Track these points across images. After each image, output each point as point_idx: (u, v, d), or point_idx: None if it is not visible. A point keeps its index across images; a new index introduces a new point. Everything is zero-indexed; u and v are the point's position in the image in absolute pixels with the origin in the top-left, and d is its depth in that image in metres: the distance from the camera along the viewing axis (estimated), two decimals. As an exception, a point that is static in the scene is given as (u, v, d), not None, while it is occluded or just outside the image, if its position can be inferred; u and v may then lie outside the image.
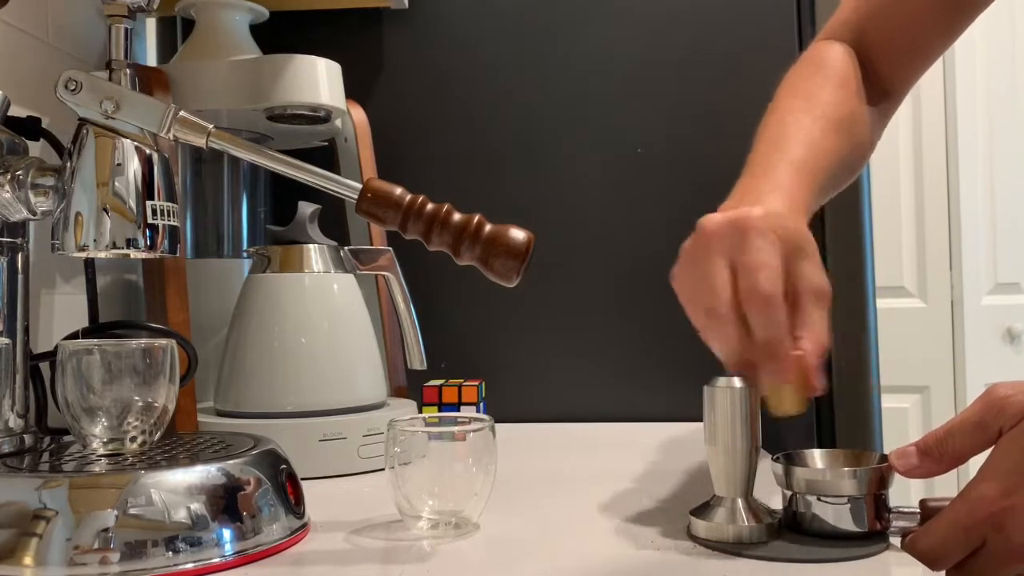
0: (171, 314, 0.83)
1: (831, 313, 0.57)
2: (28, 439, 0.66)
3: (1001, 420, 0.54)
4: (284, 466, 0.62)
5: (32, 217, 0.64)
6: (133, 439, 0.61)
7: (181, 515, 0.53)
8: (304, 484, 0.64)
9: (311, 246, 0.87)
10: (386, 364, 0.96)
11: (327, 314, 0.86)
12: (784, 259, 0.56)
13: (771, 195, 0.61)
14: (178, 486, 0.54)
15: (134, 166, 0.60)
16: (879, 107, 0.78)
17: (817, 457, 0.61)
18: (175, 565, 0.52)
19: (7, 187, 0.62)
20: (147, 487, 0.53)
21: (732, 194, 0.64)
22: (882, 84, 0.78)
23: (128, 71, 0.62)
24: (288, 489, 0.61)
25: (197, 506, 0.54)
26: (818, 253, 0.58)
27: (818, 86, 0.73)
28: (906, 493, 1.74)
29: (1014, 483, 0.52)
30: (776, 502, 0.60)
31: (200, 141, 0.60)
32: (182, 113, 0.60)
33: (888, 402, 1.16)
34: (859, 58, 0.77)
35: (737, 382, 0.57)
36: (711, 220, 0.58)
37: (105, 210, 0.59)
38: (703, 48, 1.13)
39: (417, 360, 0.91)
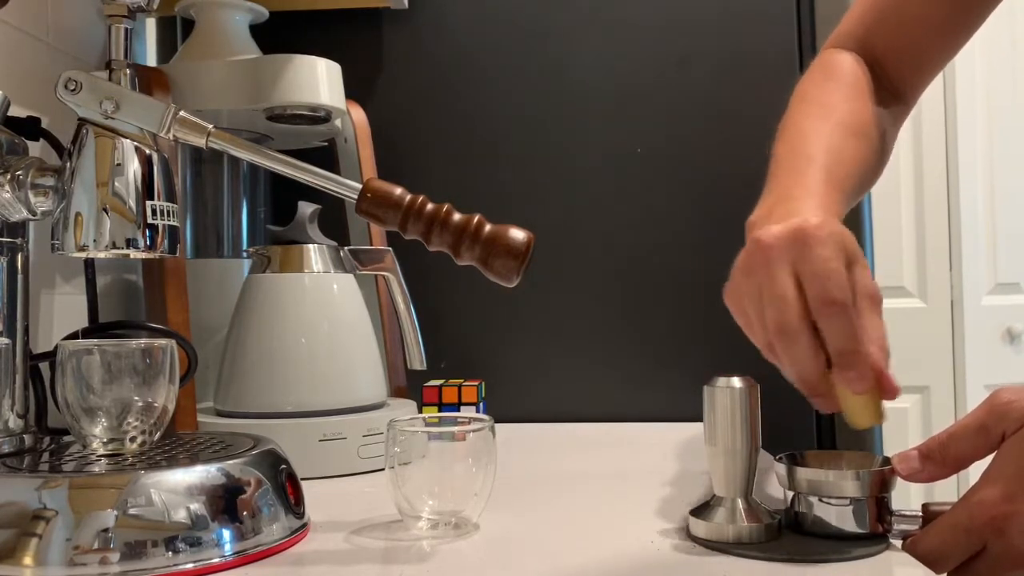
0: (171, 314, 0.83)
1: None
2: (28, 439, 0.66)
3: (1004, 425, 0.54)
4: (284, 466, 0.62)
5: (32, 217, 0.64)
6: (133, 439, 0.61)
7: (181, 515, 0.53)
8: (304, 484, 0.64)
9: (311, 246, 0.87)
10: (386, 364, 0.96)
11: (327, 314, 0.86)
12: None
13: (805, 201, 0.59)
14: (178, 486, 0.54)
15: (134, 166, 0.60)
16: (891, 110, 0.78)
17: (820, 458, 0.61)
18: (175, 565, 0.52)
19: (7, 187, 0.62)
20: (147, 487, 0.53)
21: (762, 201, 0.62)
22: (893, 88, 0.78)
23: (128, 71, 0.62)
24: (288, 489, 0.61)
25: (197, 506, 0.54)
26: (867, 260, 0.57)
27: (832, 93, 0.73)
28: (907, 497, 1.74)
29: (1016, 488, 0.52)
30: (777, 502, 0.60)
31: (200, 141, 0.60)
32: (182, 113, 0.60)
33: (888, 402, 1.16)
34: (868, 64, 0.76)
35: (737, 382, 0.57)
36: (769, 232, 0.56)
37: (105, 210, 0.59)
38: (703, 48, 1.13)
39: (417, 360, 0.91)
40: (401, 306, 0.90)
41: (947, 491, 1.79)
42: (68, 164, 0.60)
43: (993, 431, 0.54)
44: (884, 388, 0.54)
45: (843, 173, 0.65)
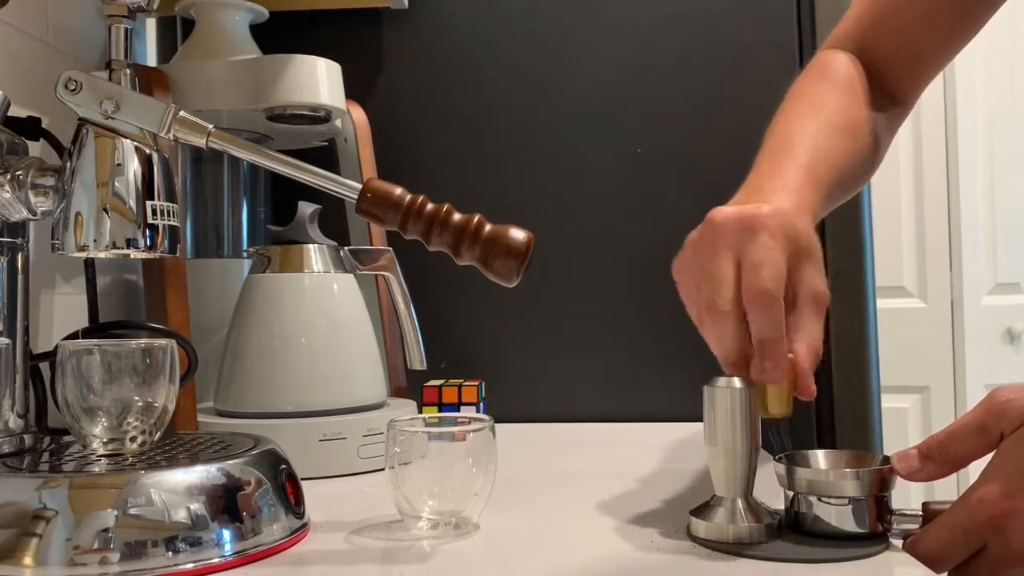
0: (171, 314, 0.83)
1: (829, 314, 0.57)
2: (28, 439, 0.66)
3: (1003, 424, 0.54)
4: (284, 466, 0.62)
5: (32, 217, 0.64)
6: (133, 439, 0.61)
7: (181, 515, 0.53)
8: (304, 484, 0.64)
9: (311, 246, 0.87)
10: (386, 364, 0.96)
11: (327, 314, 0.86)
12: (788, 260, 0.56)
13: (777, 194, 0.61)
14: (178, 486, 0.54)
15: (134, 166, 0.60)
16: (888, 113, 0.78)
17: (820, 458, 0.61)
18: (175, 565, 0.52)
19: (7, 187, 0.62)
20: (147, 487, 0.53)
21: (738, 194, 0.64)
22: (890, 91, 0.78)
23: (128, 71, 0.62)
24: (288, 489, 0.61)
25: (197, 506, 0.54)
26: (821, 258, 0.58)
27: (824, 92, 0.73)
28: (906, 496, 1.74)
29: (1015, 486, 0.52)
30: (777, 502, 0.60)
31: (200, 141, 0.60)
32: (182, 113, 0.60)
33: (888, 402, 1.16)
34: (865, 66, 0.77)
35: (737, 382, 0.57)
36: (720, 212, 0.58)
37: (105, 210, 0.59)
38: (703, 47, 1.13)
39: (417, 360, 0.91)
40: (401, 306, 0.90)
41: (947, 490, 1.79)
42: (68, 164, 0.60)
43: (992, 430, 0.54)
44: (800, 386, 0.56)
45: (824, 170, 0.66)
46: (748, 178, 0.65)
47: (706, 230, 0.58)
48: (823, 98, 0.73)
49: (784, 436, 0.61)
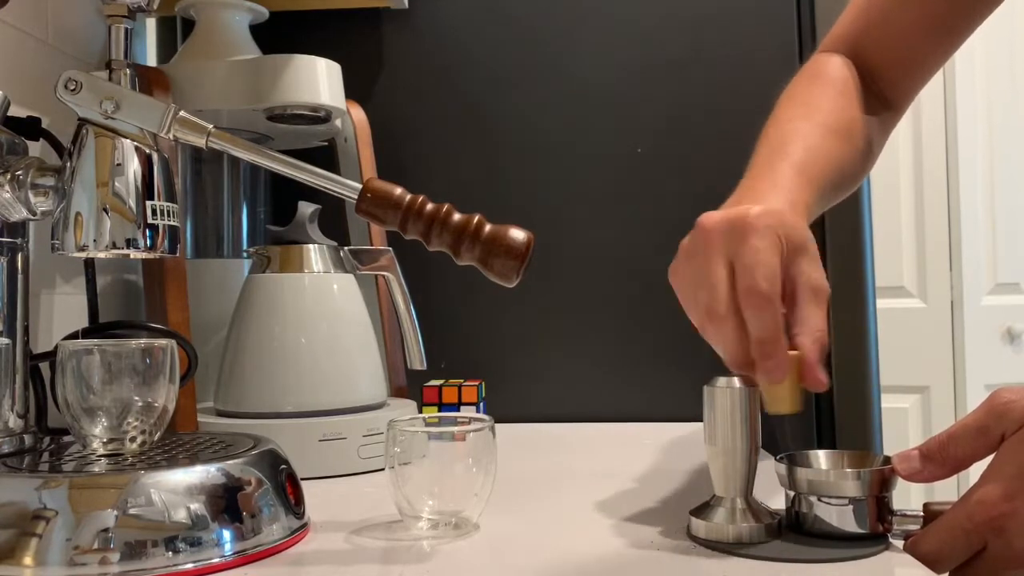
0: (171, 314, 0.83)
1: (830, 312, 0.57)
2: (28, 439, 0.66)
3: (1003, 425, 0.54)
4: (284, 466, 0.62)
5: (32, 217, 0.64)
6: (133, 439, 0.61)
7: (181, 515, 0.53)
8: (304, 484, 0.64)
9: (311, 246, 0.87)
10: (386, 364, 0.96)
11: (327, 314, 0.86)
12: (783, 257, 0.56)
13: (770, 194, 0.61)
14: (178, 486, 0.54)
15: (134, 166, 0.60)
16: (880, 116, 0.78)
17: (820, 458, 0.61)
18: (175, 565, 0.52)
19: (7, 187, 0.62)
20: (147, 487, 0.53)
21: (732, 195, 0.64)
22: (883, 95, 0.79)
23: (128, 71, 0.62)
24: (288, 489, 0.61)
25: (197, 506, 0.54)
26: (817, 251, 0.58)
27: (817, 95, 0.74)
28: (906, 496, 1.74)
29: (1016, 487, 0.52)
30: (777, 502, 0.60)
31: (200, 141, 0.60)
32: (182, 113, 0.60)
33: (888, 402, 1.16)
34: (859, 70, 0.77)
35: (737, 382, 0.57)
36: (710, 218, 0.58)
37: (105, 210, 0.59)
38: (703, 47, 1.13)
39: (417, 360, 0.91)
40: (401, 306, 0.90)
41: (948, 491, 1.79)
42: (68, 164, 0.60)
43: (993, 431, 0.54)
44: (809, 379, 0.55)
45: (818, 170, 0.66)
46: (743, 179, 0.66)
47: (697, 236, 0.59)
48: (817, 100, 0.73)
49: (790, 438, 0.62)
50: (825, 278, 0.57)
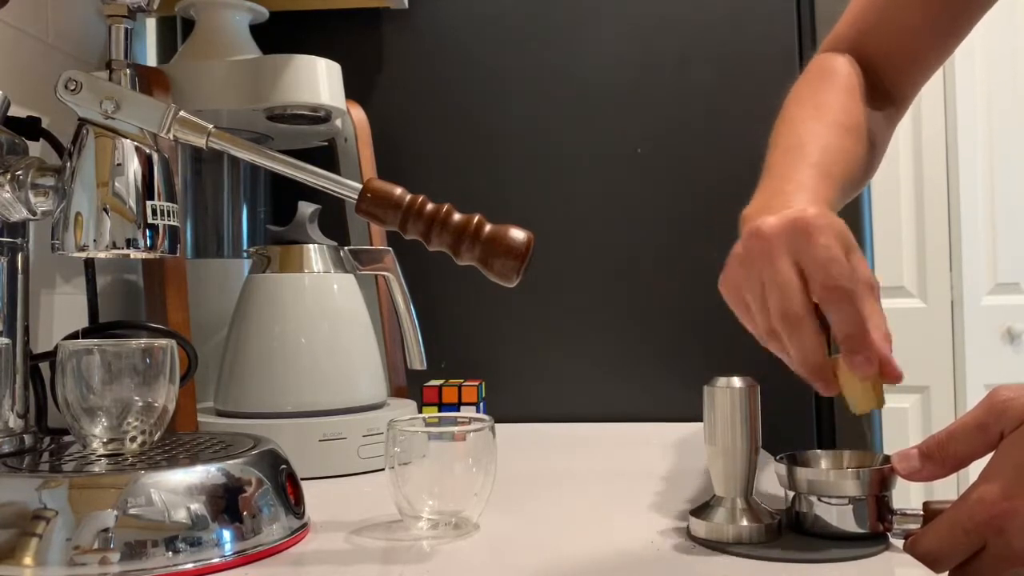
0: (171, 314, 0.83)
1: None
2: (28, 439, 0.66)
3: (1002, 423, 0.54)
4: (284, 466, 0.62)
5: (32, 217, 0.64)
6: (133, 439, 0.61)
7: (181, 515, 0.53)
8: (304, 484, 0.64)
9: (311, 246, 0.87)
10: (386, 364, 0.96)
11: (327, 314, 0.86)
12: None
13: (798, 195, 0.60)
14: (178, 486, 0.54)
15: (134, 166, 0.60)
16: (885, 112, 0.78)
17: (820, 458, 0.61)
18: (175, 565, 0.52)
19: (7, 187, 0.62)
20: (147, 487, 0.53)
21: (756, 196, 0.63)
22: (886, 91, 0.79)
23: (128, 71, 0.62)
24: (288, 489, 0.61)
25: (197, 506, 0.54)
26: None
27: (826, 94, 0.74)
28: (906, 495, 1.74)
29: (1015, 486, 0.52)
30: (777, 502, 0.60)
31: (200, 141, 0.60)
32: (182, 113, 0.60)
33: (888, 402, 1.16)
34: (862, 68, 0.77)
35: (737, 382, 0.57)
36: (767, 222, 0.57)
37: (105, 210, 0.59)
38: (703, 48, 1.13)
39: (417, 360, 0.91)
40: (401, 306, 0.90)
41: (948, 489, 1.79)
42: (68, 164, 0.60)
43: (992, 429, 0.54)
44: (887, 373, 0.55)
45: (837, 170, 0.66)
46: (762, 182, 0.65)
47: (755, 241, 0.57)
48: (826, 100, 0.73)
49: (872, 430, 0.61)
50: (873, 273, 0.57)
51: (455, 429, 0.63)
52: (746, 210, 0.62)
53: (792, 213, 0.57)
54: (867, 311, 0.55)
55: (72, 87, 0.59)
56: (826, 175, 0.64)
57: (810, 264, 0.55)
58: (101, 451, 0.60)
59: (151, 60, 1.18)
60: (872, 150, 0.75)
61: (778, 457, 0.59)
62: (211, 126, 0.61)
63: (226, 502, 0.56)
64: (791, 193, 0.61)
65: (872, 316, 0.55)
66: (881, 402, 0.56)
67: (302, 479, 0.64)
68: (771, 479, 0.60)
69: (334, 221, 0.99)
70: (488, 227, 0.59)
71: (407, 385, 1.00)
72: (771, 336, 0.57)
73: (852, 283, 0.54)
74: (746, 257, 0.58)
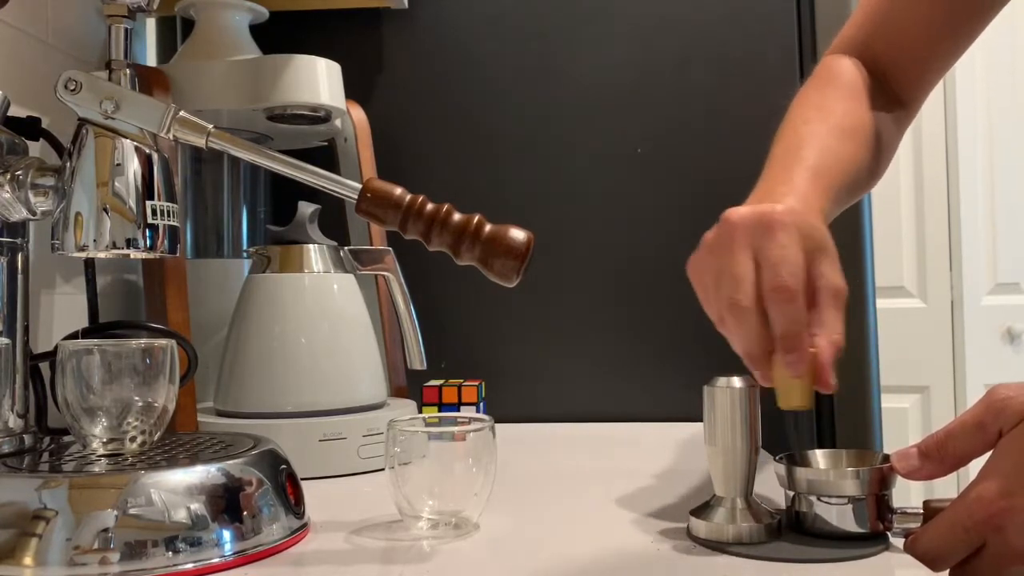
0: (171, 314, 0.83)
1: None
2: (28, 439, 0.66)
3: (1001, 421, 0.54)
4: (284, 466, 0.62)
5: (32, 217, 0.64)
6: (133, 439, 0.61)
7: (181, 515, 0.53)
8: (304, 484, 0.64)
9: (311, 246, 0.87)
10: (386, 364, 0.96)
11: (327, 314, 0.86)
12: (805, 256, 0.56)
13: (787, 198, 0.61)
14: (178, 486, 0.54)
15: (134, 166, 0.60)
16: (894, 115, 0.78)
17: (819, 457, 0.61)
18: (175, 565, 0.52)
19: (7, 187, 0.62)
20: (147, 487, 0.53)
21: (750, 198, 0.64)
22: (895, 94, 0.79)
23: (128, 71, 0.62)
24: (288, 489, 0.61)
25: (197, 506, 0.54)
26: (836, 254, 0.58)
27: (830, 97, 0.74)
28: (906, 494, 1.74)
29: (1013, 484, 0.52)
30: (777, 502, 0.60)
31: (200, 141, 0.60)
32: (182, 113, 0.60)
33: (888, 402, 1.16)
34: (869, 71, 0.77)
35: (737, 382, 0.57)
36: (736, 212, 0.58)
37: (105, 210, 0.59)
38: (704, 49, 1.13)
39: (417, 360, 0.91)
40: (401, 306, 0.90)
41: (949, 488, 1.79)
42: (68, 164, 0.60)
43: (990, 428, 0.54)
44: (820, 380, 0.56)
45: (834, 174, 0.66)
46: (759, 183, 0.66)
47: (722, 229, 0.59)
48: (830, 103, 0.73)
49: (802, 432, 0.61)
50: (844, 280, 0.58)
51: (455, 429, 0.63)
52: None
53: (761, 207, 0.58)
54: (824, 317, 0.56)
55: (72, 87, 0.59)
56: (821, 179, 0.65)
57: (763, 260, 0.56)
58: (101, 451, 0.60)
59: (151, 60, 1.18)
60: (878, 154, 0.75)
61: (777, 457, 0.59)
62: (211, 126, 0.61)
63: (226, 502, 0.56)
64: (778, 196, 0.61)
65: (828, 323, 0.56)
66: (809, 402, 0.56)
67: (302, 479, 0.64)
68: (771, 479, 0.60)
69: (334, 221, 0.99)
70: (488, 227, 0.59)
71: (407, 385, 1.00)
72: (721, 323, 0.59)
73: (798, 284, 0.55)
74: (713, 244, 0.59)
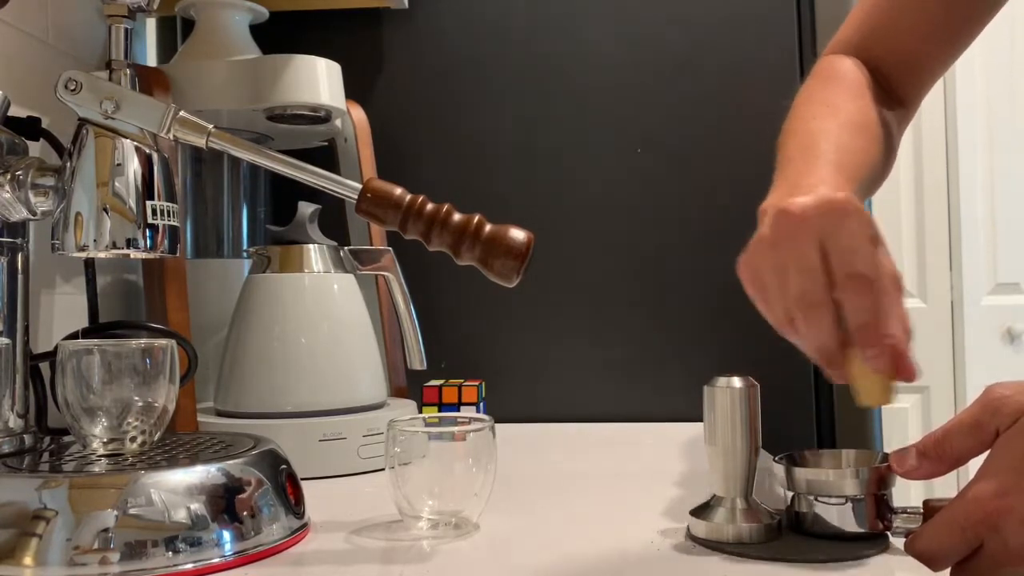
0: (171, 314, 0.83)
1: None
2: (28, 439, 0.66)
3: (998, 420, 0.54)
4: (284, 466, 0.62)
5: (32, 217, 0.64)
6: (133, 439, 0.61)
7: (181, 515, 0.53)
8: (304, 484, 0.64)
9: (311, 246, 0.87)
10: (386, 364, 0.96)
11: (327, 314, 0.86)
12: None
13: (818, 189, 0.58)
14: (178, 486, 0.54)
15: (134, 166, 0.60)
16: (895, 113, 0.78)
17: (819, 457, 0.61)
18: (175, 565, 0.52)
19: (7, 187, 0.62)
20: (147, 487, 0.53)
21: (774, 191, 0.61)
22: (894, 93, 0.78)
23: (128, 71, 0.62)
24: (288, 489, 0.61)
25: (197, 506, 0.54)
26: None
27: (836, 93, 0.72)
28: (906, 494, 1.74)
29: (1010, 483, 0.52)
30: (777, 502, 0.60)
31: (200, 141, 0.60)
32: (182, 113, 0.60)
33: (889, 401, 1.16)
34: (868, 71, 0.77)
35: (737, 382, 0.57)
36: (797, 203, 0.55)
37: (105, 210, 0.59)
38: (704, 50, 1.13)
39: (417, 360, 0.91)
40: (401, 306, 0.90)
41: (948, 487, 1.79)
42: (68, 164, 0.60)
43: (987, 427, 0.54)
44: (902, 369, 0.54)
45: (854, 168, 0.64)
46: (778, 179, 0.63)
47: (783, 222, 0.55)
48: (837, 100, 0.72)
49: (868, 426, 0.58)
50: (897, 267, 0.56)
51: (455, 429, 0.63)
52: (764, 204, 0.59)
53: (823, 194, 0.55)
54: (889, 305, 0.54)
55: (72, 87, 0.59)
56: (844, 172, 0.62)
57: (835, 249, 0.53)
58: (101, 451, 0.60)
59: (151, 60, 1.18)
60: (886, 149, 0.74)
61: (777, 457, 0.59)
62: (211, 126, 0.61)
63: (226, 502, 0.56)
64: (811, 188, 0.58)
65: (894, 310, 0.54)
66: (890, 398, 0.55)
67: (302, 479, 0.64)
68: (771, 479, 0.60)
69: (334, 221, 0.99)
70: (488, 227, 0.59)
71: (407, 385, 1.00)
72: (788, 321, 0.56)
73: (874, 273, 0.53)
74: (773, 238, 0.56)
